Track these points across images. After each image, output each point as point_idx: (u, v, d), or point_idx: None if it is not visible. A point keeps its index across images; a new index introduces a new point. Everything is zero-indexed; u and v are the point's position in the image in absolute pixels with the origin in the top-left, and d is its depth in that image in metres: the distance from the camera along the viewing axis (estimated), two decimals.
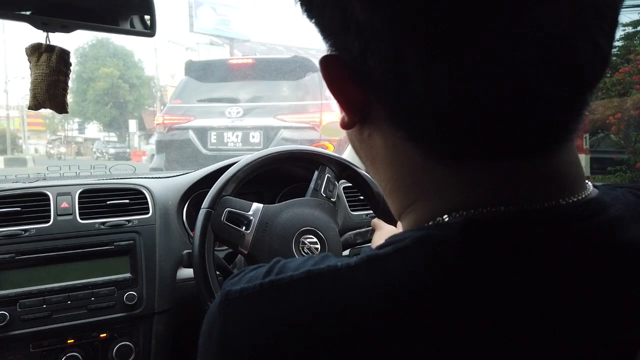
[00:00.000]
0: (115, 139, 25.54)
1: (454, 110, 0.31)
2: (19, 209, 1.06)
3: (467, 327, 0.30)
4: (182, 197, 1.24)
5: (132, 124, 22.60)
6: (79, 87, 22.69)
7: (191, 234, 1.19)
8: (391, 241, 0.34)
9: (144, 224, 1.13)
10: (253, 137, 4.31)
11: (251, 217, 0.99)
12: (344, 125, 0.39)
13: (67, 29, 0.77)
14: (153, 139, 5.50)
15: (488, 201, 0.33)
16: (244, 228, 0.98)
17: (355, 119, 0.38)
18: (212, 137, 4.39)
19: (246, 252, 0.97)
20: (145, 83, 24.28)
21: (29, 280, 1.00)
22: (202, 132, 4.41)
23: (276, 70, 4.64)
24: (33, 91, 0.81)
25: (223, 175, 1.02)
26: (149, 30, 0.83)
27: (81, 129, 27.10)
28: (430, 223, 0.36)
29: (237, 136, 4.34)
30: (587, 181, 0.37)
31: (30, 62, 0.80)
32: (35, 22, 0.75)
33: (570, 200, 0.34)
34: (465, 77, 0.30)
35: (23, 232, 1.03)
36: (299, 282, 0.33)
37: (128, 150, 20.60)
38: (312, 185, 1.10)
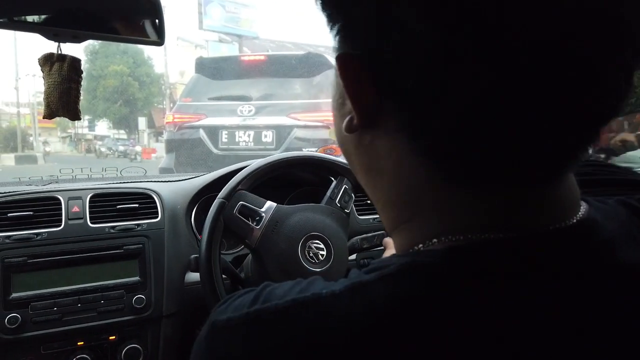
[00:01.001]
0: (125, 136, 25.69)
1: (475, 129, 0.31)
2: (31, 213, 1.07)
3: (446, 356, 0.30)
4: (190, 201, 1.25)
5: (142, 122, 22.73)
6: (89, 85, 22.83)
7: (199, 237, 1.20)
8: (377, 267, 0.34)
9: (152, 228, 1.14)
10: (265, 136, 4.20)
11: (263, 214, 1.01)
12: (350, 128, 0.37)
13: (77, 39, 0.79)
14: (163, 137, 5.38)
15: (482, 226, 0.33)
16: (254, 223, 1.00)
17: (364, 123, 0.36)
18: (224, 136, 4.28)
19: (253, 247, 0.99)
20: (154, 81, 24.39)
21: (41, 283, 1.01)
22: (213, 131, 4.29)
23: (289, 67, 4.50)
24: (46, 100, 0.82)
25: (243, 171, 1.04)
26: (158, 40, 0.84)
27: (91, 127, 27.34)
28: (419, 246, 0.36)
29: (249, 135, 4.23)
30: (581, 201, 0.36)
31: (42, 71, 0.81)
32: (47, 34, 0.76)
33: (563, 225, 0.34)
34: (486, 97, 0.29)
35: (35, 236, 1.04)
36: (284, 311, 0.33)
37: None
38: (328, 193, 1.10)
